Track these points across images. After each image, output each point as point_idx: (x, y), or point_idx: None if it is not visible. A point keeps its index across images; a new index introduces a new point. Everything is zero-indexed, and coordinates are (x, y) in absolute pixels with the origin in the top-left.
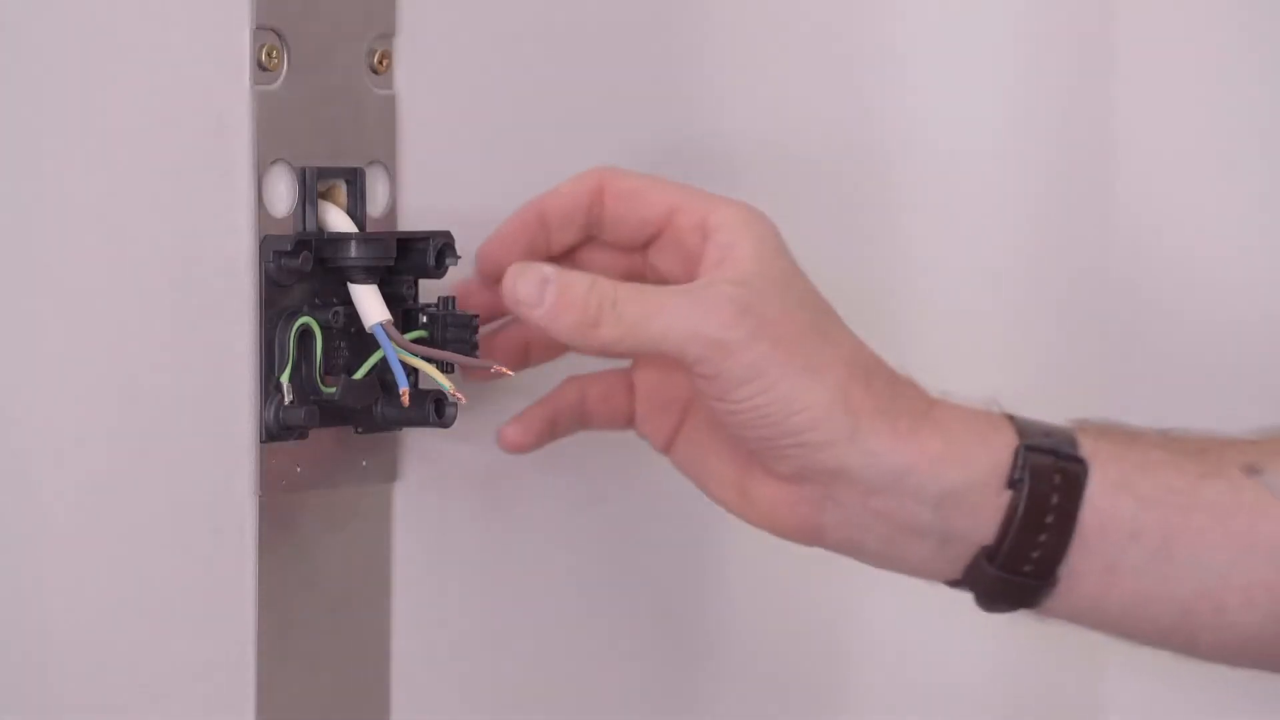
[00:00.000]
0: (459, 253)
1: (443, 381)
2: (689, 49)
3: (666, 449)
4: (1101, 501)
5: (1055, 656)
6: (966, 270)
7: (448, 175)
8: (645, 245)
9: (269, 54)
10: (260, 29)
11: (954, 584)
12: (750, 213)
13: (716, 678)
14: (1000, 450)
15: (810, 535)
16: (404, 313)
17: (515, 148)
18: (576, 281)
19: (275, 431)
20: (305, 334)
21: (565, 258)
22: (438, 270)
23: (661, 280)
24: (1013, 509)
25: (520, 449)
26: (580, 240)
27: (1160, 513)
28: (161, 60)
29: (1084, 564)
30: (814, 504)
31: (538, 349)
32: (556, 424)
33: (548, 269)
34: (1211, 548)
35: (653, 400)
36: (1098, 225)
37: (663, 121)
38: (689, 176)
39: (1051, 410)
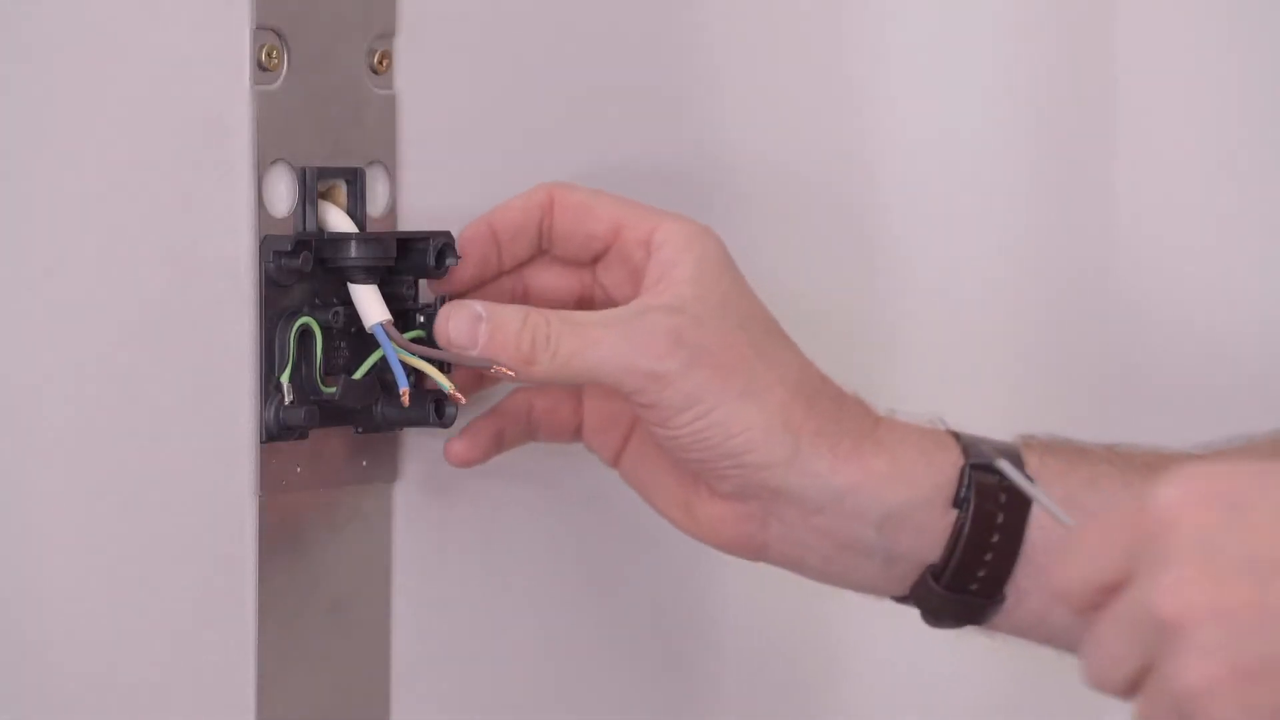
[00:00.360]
0: (459, 253)
1: (443, 381)
2: (688, 49)
3: (614, 463)
4: (1047, 519)
5: (1055, 656)
6: (961, 276)
7: (448, 175)
8: (593, 261)
9: (269, 54)
10: (260, 29)
11: (900, 600)
12: (694, 229)
13: (715, 678)
14: (945, 469)
15: (754, 551)
16: (402, 313)
17: (515, 148)
18: (510, 319)
19: (275, 431)
20: (305, 334)
21: (516, 272)
22: (438, 270)
23: (609, 298)
24: (958, 529)
25: (467, 464)
26: (531, 255)
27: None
28: (161, 60)
29: (1030, 582)
30: (757, 521)
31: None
32: (503, 436)
33: (479, 306)
34: None
35: (599, 415)
36: (1097, 233)
37: (663, 121)
38: (690, 175)
39: (1045, 419)
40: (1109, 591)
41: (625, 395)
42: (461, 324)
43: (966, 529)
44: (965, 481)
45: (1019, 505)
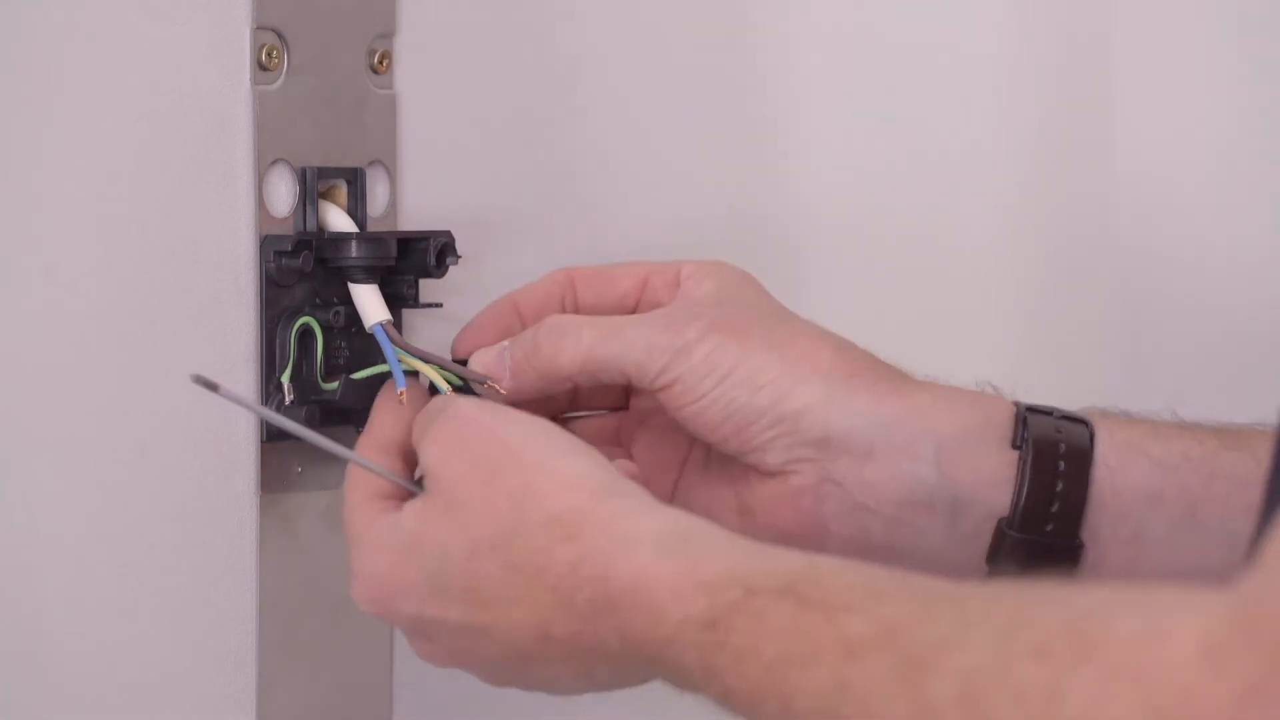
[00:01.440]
0: (459, 252)
1: (441, 384)
2: (688, 48)
3: (669, 502)
4: (1113, 460)
5: None
6: (961, 246)
7: (448, 175)
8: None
9: (269, 54)
10: (260, 29)
11: (972, 573)
12: (720, 262)
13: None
14: (995, 409)
15: (816, 531)
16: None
17: (515, 148)
18: (527, 332)
19: (275, 431)
20: (306, 334)
21: None
22: (438, 270)
23: None
24: (1021, 464)
25: None
26: None
27: (1179, 478)
28: (161, 60)
29: (1106, 529)
30: (813, 494)
31: None
32: None
33: (501, 343)
34: (1240, 516)
35: (651, 462)
36: (1096, 192)
37: (663, 121)
38: (688, 175)
39: (1049, 393)
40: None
41: (649, 382)
42: (490, 357)
43: (1029, 464)
44: (1021, 420)
45: (1080, 443)
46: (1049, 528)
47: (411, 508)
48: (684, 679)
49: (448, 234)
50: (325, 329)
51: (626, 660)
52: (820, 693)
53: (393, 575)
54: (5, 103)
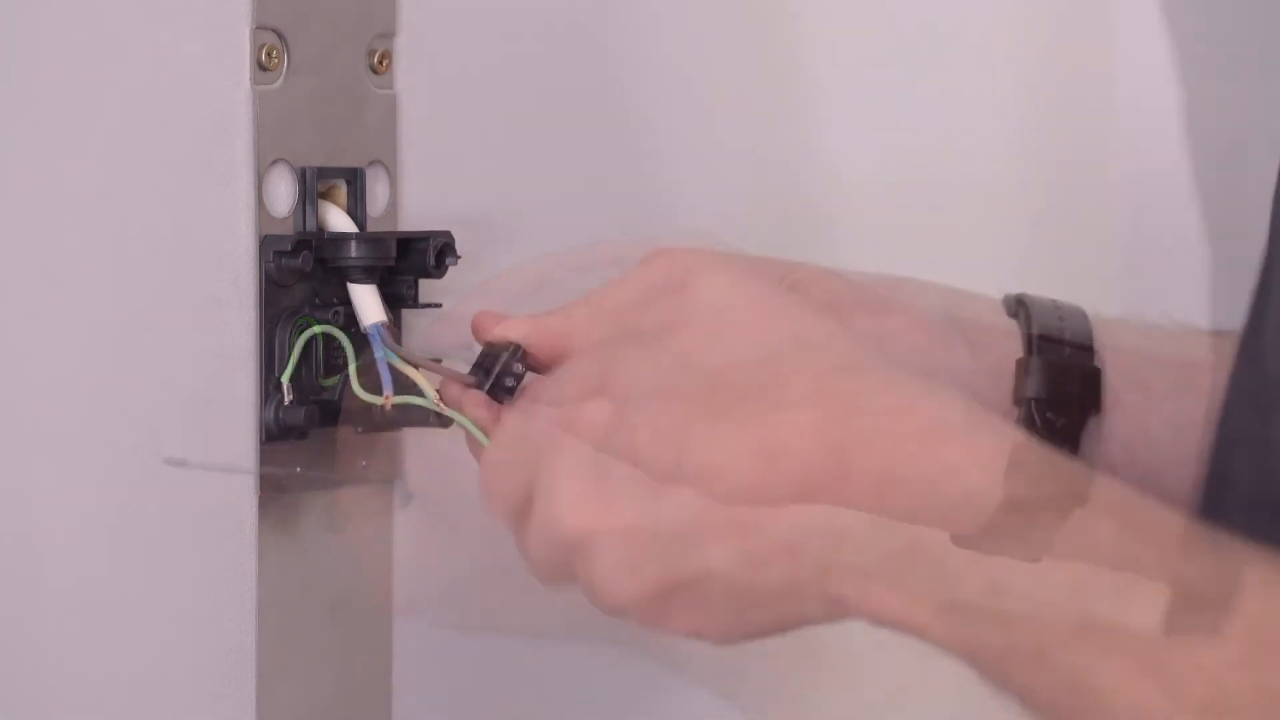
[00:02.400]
0: (459, 253)
1: (429, 390)
2: (687, 47)
3: None
4: (1106, 332)
5: None
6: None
7: (448, 175)
8: None
9: (269, 54)
10: (260, 29)
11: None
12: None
13: (718, 677)
14: (984, 297)
15: None
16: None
17: (515, 148)
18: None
19: (275, 431)
20: (311, 337)
21: None
22: (438, 270)
23: None
24: (1023, 313)
25: None
26: None
27: (1170, 347)
28: (161, 60)
29: (1116, 378)
30: None
31: None
32: None
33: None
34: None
35: None
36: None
37: (662, 120)
38: (687, 175)
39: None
40: (528, 504)
41: None
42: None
43: (1031, 312)
44: (1012, 299)
45: (1076, 313)
46: (1067, 352)
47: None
48: (928, 565)
49: (447, 234)
50: (327, 335)
51: (856, 532)
52: (1141, 630)
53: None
54: (4, 103)
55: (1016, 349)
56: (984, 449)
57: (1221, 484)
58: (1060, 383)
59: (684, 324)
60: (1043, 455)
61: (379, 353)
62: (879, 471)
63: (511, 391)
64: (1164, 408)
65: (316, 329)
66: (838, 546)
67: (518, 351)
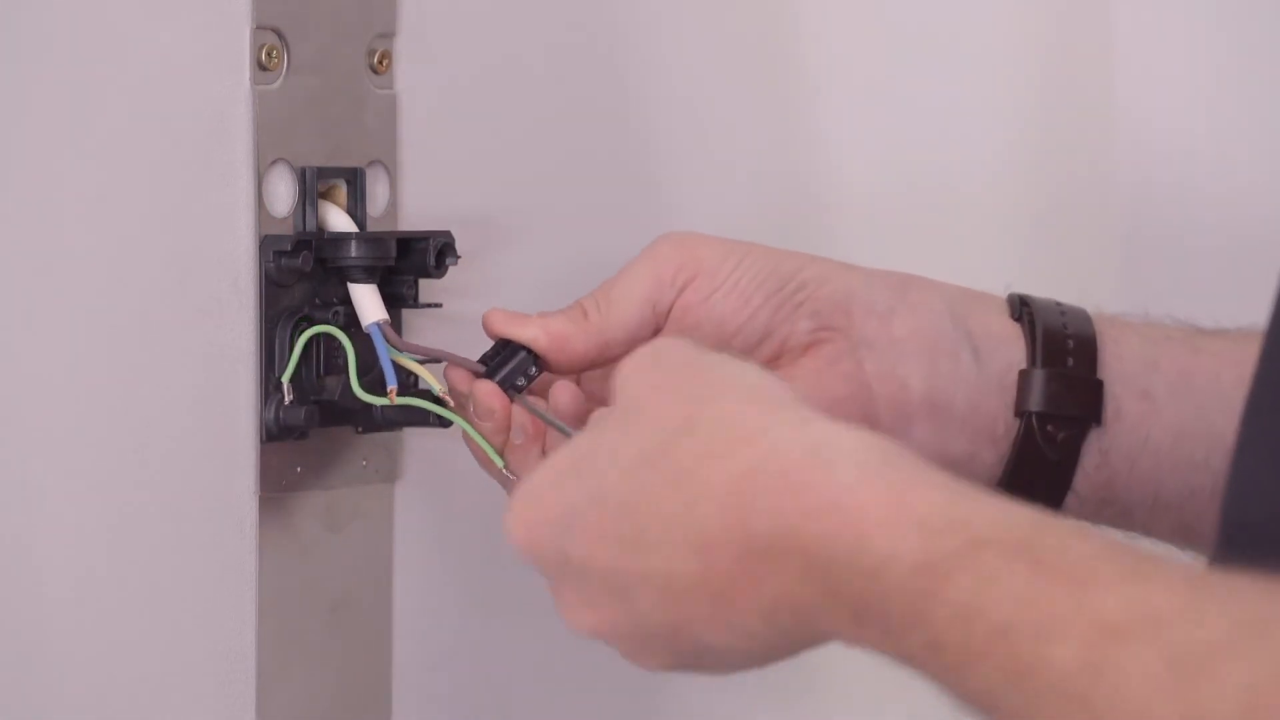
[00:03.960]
0: (459, 252)
1: (433, 383)
2: (687, 46)
3: None
4: (1107, 331)
5: None
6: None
7: (448, 175)
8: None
9: (269, 54)
10: (260, 29)
11: (1015, 425)
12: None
13: (718, 677)
14: (989, 296)
15: (861, 394)
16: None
17: (515, 148)
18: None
19: (275, 431)
20: (311, 337)
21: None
22: (437, 270)
23: None
24: (1028, 319)
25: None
26: None
27: (1168, 350)
28: (161, 60)
29: (1118, 385)
30: (851, 358)
31: None
32: None
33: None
34: (1230, 384)
35: None
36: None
37: (662, 120)
38: (687, 175)
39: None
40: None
41: (681, 289)
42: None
43: (1037, 319)
44: (1015, 299)
45: (1077, 313)
46: (1070, 362)
47: (592, 420)
48: (877, 625)
49: (447, 234)
50: (327, 335)
51: (808, 600)
52: (1065, 671)
53: (553, 492)
54: (5, 103)
55: (1020, 358)
56: (883, 509)
57: (1244, 484)
58: (1062, 396)
59: (610, 428)
60: (944, 498)
61: (381, 350)
62: (801, 551)
63: (520, 390)
64: (1164, 415)
65: (317, 329)
66: (803, 610)
67: (534, 356)
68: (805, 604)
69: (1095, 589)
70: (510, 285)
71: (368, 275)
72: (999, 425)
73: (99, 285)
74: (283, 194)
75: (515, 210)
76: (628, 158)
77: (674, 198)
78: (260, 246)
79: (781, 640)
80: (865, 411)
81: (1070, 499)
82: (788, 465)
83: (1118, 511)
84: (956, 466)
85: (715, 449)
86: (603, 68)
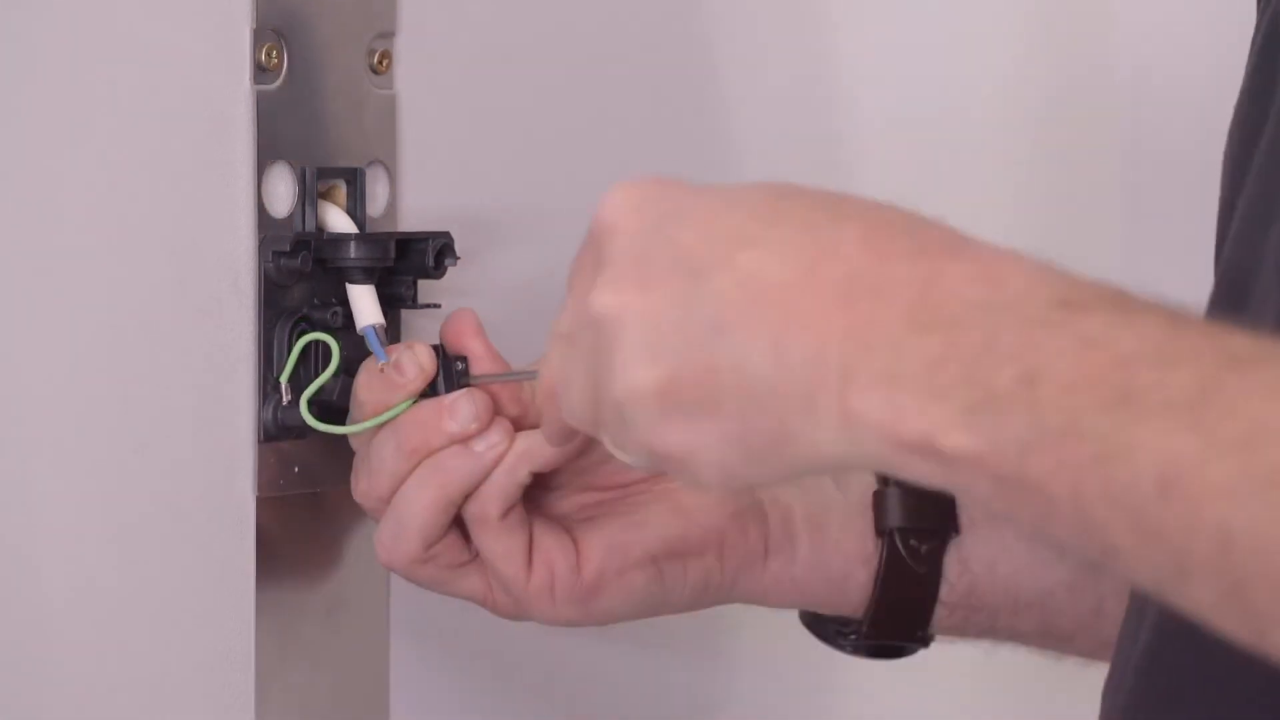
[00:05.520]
0: (458, 253)
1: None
2: (687, 46)
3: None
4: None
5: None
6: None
7: (448, 175)
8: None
9: (269, 54)
10: (260, 29)
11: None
12: None
13: (719, 675)
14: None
15: (756, 510)
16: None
17: (515, 148)
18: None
19: (274, 431)
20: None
21: None
22: (437, 271)
23: None
24: (880, 482)
25: None
26: None
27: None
28: (161, 60)
29: (976, 510)
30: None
31: None
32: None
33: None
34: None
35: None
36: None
37: (662, 120)
38: (688, 171)
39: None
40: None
41: None
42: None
43: (890, 489)
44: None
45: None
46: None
47: None
48: (968, 346)
49: (446, 235)
50: (326, 332)
51: (896, 335)
52: (1180, 390)
53: (679, 189)
54: (5, 103)
55: (872, 479)
56: (1023, 260)
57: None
58: (919, 510)
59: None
60: (1066, 271)
61: (377, 351)
62: (923, 280)
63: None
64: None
65: (312, 337)
66: (866, 354)
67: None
68: (879, 344)
69: (1227, 333)
70: (510, 286)
71: (367, 276)
72: (868, 544)
73: (99, 285)
74: (282, 194)
75: (515, 210)
76: (628, 157)
77: None
78: (260, 246)
79: (799, 406)
80: (760, 527)
81: (939, 610)
82: (932, 225)
83: (984, 618)
84: (835, 586)
85: (854, 207)
86: (602, 67)
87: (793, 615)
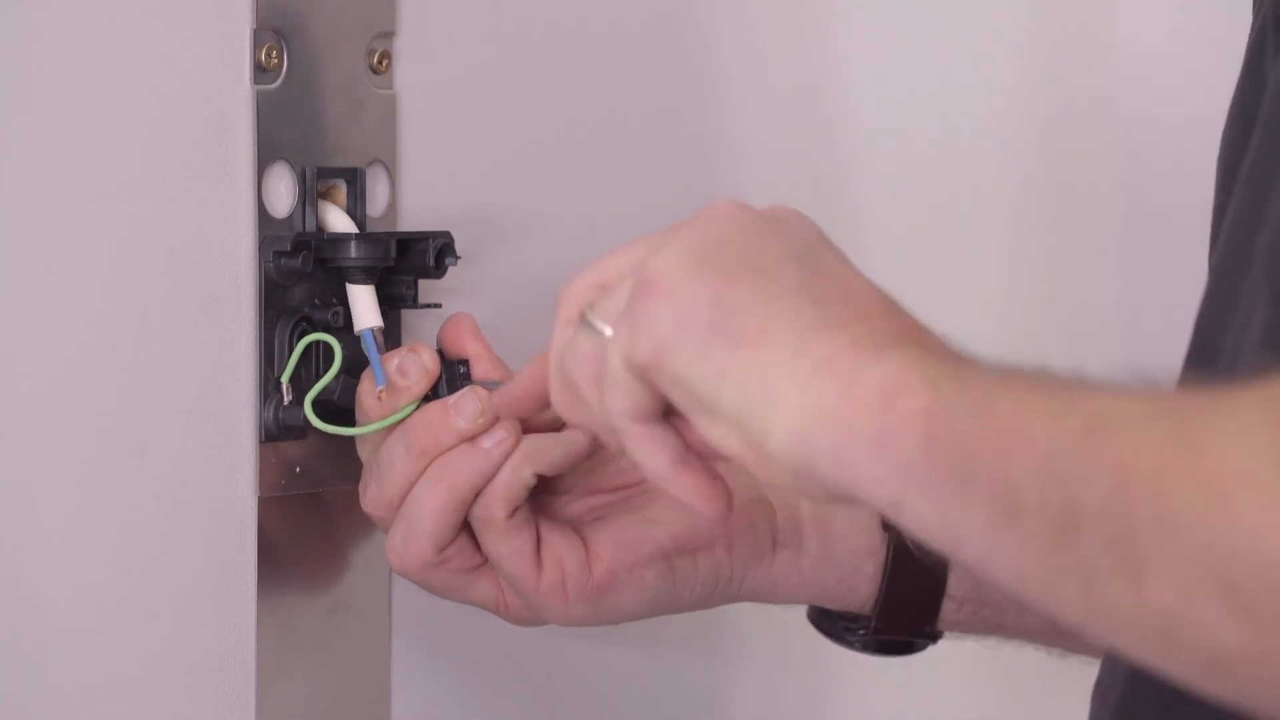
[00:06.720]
0: (459, 253)
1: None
2: (687, 48)
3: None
4: None
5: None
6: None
7: (448, 175)
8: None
9: (269, 54)
10: (260, 29)
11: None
12: None
13: (717, 677)
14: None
15: (765, 507)
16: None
17: (515, 148)
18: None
19: (275, 431)
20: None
21: None
22: (437, 270)
23: None
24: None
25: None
26: None
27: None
28: (161, 60)
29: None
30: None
31: None
32: None
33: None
34: None
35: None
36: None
37: (662, 120)
38: (688, 173)
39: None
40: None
41: None
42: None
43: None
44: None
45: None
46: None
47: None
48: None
49: (447, 234)
50: (326, 331)
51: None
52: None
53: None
54: (5, 103)
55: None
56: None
57: None
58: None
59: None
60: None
61: (373, 355)
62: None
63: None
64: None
65: (313, 338)
66: (878, 335)
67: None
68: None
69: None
70: (510, 286)
71: (367, 275)
72: (875, 536)
73: (99, 285)
74: (283, 194)
75: (515, 210)
76: (628, 157)
77: (676, 197)
78: (260, 246)
79: (800, 330)
80: (768, 521)
81: (947, 604)
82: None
83: (992, 612)
84: (843, 579)
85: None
86: (602, 67)
87: (796, 616)
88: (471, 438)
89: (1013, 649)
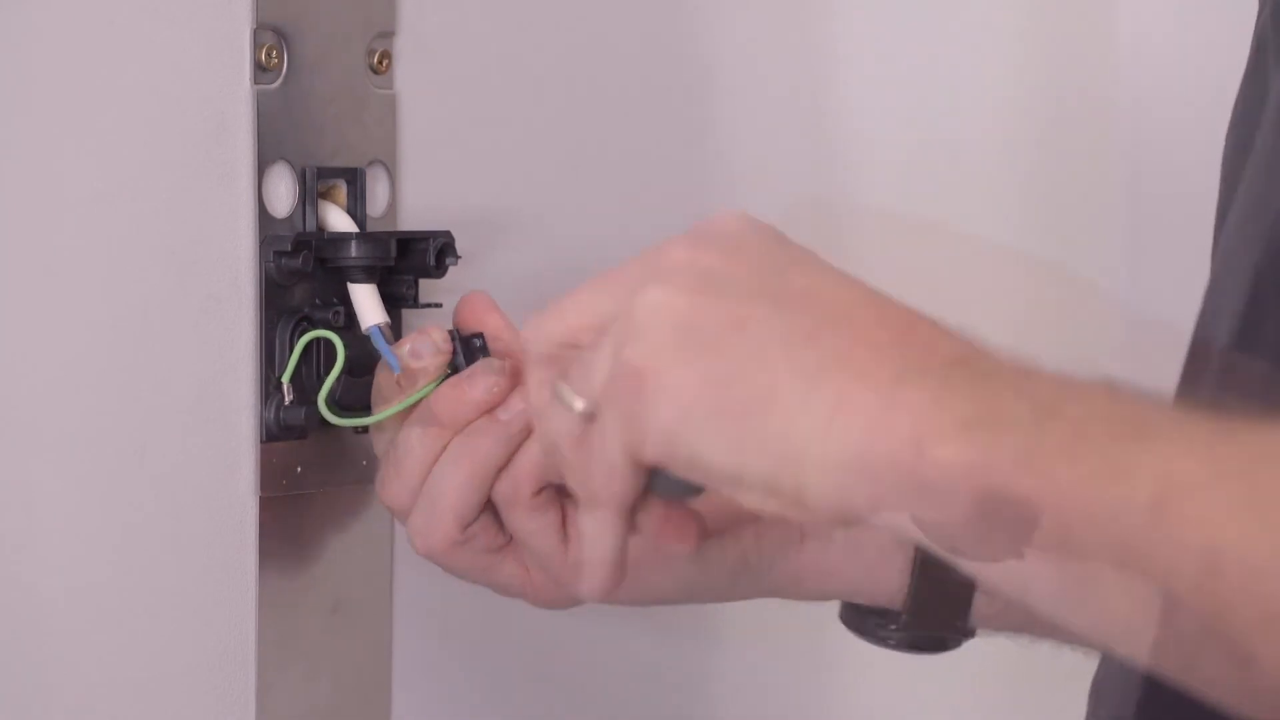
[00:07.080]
0: (459, 252)
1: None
2: (688, 46)
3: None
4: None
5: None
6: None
7: (448, 175)
8: None
9: (269, 54)
10: (260, 29)
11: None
12: None
13: (716, 677)
14: None
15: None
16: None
17: (515, 148)
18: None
19: (275, 431)
20: (313, 340)
21: None
22: (437, 270)
23: None
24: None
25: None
26: None
27: None
28: (161, 60)
29: None
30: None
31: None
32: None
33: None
34: None
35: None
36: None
37: (663, 119)
38: (688, 172)
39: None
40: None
41: None
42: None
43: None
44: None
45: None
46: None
47: None
48: (989, 384)
49: (447, 234)
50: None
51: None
52: (1199, 427)
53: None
54: (5, 103)
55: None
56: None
57: None
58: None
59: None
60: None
61: (384, 351)
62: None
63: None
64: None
65: (315, 334)
66: (883, 366)
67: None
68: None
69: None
70: (510, 285)
71: (367, 275)
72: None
73: (99, 285)
74: (283, 194)
75: (515, 210)
76: (628, 157)
77: (676, 197)
78: (260, 246)
79: (807, 375)
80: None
81: (979, 599)
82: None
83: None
84: (872, 571)
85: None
86: (602, 67)
87: (796, 609)
88: (489, 409)
89: (1012, 648)
